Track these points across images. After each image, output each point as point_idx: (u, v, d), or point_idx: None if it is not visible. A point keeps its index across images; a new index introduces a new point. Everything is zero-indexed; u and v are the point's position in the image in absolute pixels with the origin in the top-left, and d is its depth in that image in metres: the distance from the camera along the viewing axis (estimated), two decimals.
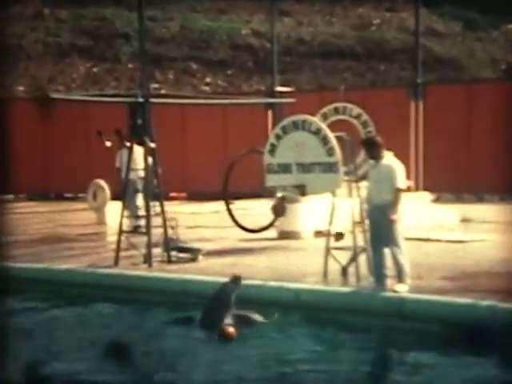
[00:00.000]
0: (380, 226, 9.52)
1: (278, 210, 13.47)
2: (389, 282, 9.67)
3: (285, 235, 14.20)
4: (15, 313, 10.30)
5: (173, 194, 20.94)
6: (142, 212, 14.56)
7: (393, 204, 9.43)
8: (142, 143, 14.78)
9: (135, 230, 14.24)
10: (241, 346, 8.92)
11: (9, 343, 8.72)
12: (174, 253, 12.28)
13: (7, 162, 21.81)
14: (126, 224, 12.69)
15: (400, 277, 9.56)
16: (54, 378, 7.62)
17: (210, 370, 8.19)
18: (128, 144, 12.68)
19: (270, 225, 14.25)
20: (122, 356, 7.98)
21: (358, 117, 14.86)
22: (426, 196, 17.15)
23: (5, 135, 22.14)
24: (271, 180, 11.74)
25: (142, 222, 14.30)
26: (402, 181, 9.56)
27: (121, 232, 12.31)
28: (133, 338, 9.66)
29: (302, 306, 9.89)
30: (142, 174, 14.52)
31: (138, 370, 7.75)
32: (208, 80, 30.94)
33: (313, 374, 8.05)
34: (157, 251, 12.21)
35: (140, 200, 14.86)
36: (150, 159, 14.62)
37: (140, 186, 14.61)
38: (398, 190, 9.48)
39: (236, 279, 9.61)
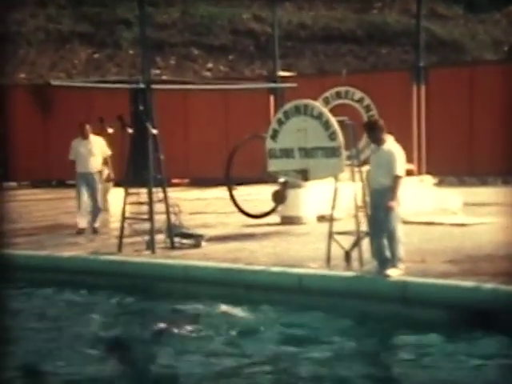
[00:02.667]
0: (378, 209, 9.51)
1: (279, 197, 13.46)
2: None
3: (287, 220, 14.19)
4: (18, 299, 10.32)
5: (175, 181, 20.93)
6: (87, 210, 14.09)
7: (391, 190, 9.40)
8: (98, 133, 14.45)
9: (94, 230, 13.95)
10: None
11: (10, 330, 8.75)
12: (176, 239, 12.29)
13: (10, 150, 21.81)
14: (129, 211, 12.67)
15: (393, 261, 9.56)
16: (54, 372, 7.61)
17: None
18: (130, 130, 12.64)
19: (273, 210, 14.24)
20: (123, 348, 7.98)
21: (360, 101, 14.79)
22: (429, 179, 17.11)
23: (7, 123, 22.12)
24: (273, 165, 11.72)
25: (97, 224, 14.11)
26: (401, 167, 9.52)
27: (124, 219, 12.32)
28: (136, 325, 9.69)
29: (305, 291, 9.90)
30: (98, 166, 14.24)
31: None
32: (209, 65, 30.87)
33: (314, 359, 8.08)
34: (160, 237, 12.21)
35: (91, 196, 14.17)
36: (108, 150, 14.37)
37: (97, 179, 14.14)
38: (397, 177, 9.45)
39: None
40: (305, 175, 11.41)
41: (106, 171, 14.52)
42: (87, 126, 14.36)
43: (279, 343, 8.54)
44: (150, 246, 12.01)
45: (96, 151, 14.26)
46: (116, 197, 15.17)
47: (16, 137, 22.62)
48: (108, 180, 14.52)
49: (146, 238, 12.12)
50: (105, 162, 14.41)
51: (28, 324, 9.52)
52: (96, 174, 14.23)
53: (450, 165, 19.74)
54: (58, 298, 10.96)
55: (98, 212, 14.11)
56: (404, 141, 10.15)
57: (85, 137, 14.31)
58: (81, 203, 14.14)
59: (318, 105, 11.76)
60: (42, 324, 9.63)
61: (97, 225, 14.03)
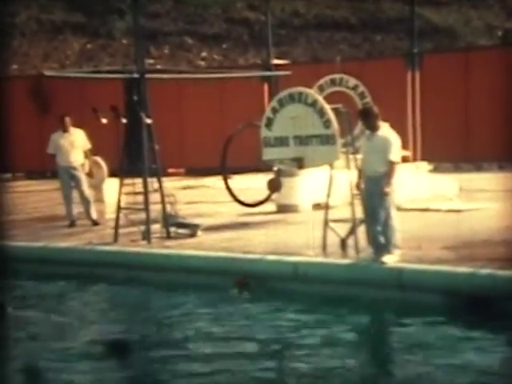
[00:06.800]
0: (373, 197, 9.51)
1: (274, 185, 13.43)
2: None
3: (283, 209, 14.18)
4: (14, 291, 10.32)
5: (171, 170, 20.89)
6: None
7: (387, 176, 9.40)
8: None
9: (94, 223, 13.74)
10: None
11: (8, 323, 8.74)
12: (172, 229, 12.27)
13: (5, 141, 21.69)
14: (124, 201, 12.62)
15: (389, 248, 9.56)
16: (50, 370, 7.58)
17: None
18: (124, 120, 12.59)
19: (268, 199, 14.22)
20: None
21: (354, 88, 14.77)
22: (424, 166, 17.10)
23: (1, 114, 22.00)
24: (268, 153, 11.68)
25: (94, 215, 13.88)
26: (396, 153, 9.52)
27: (119, 209, 12.30)
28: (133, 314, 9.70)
29: (301, 279, 9.90)
30: (81, 159, 13.91)
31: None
32: (203, 54, 30.78)
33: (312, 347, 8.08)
34: (156, 227, 12.20)
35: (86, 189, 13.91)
36: (88, 144, 14.18)
37: (81, 173, 13.87)
38: (392, 163, 9.45)
39: None
40: (300, 163, 11.38)
41: (87, 165, 14.11)
42: (67, 119, 14.10)
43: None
44: (146, 236, 12.00)
45: (78, 144, 13.97)
46: (111, 187, 15.12)
47: (10, 128, 22.51)
48: (89, 174, 14.21)
49: (142, 228, 12.11)
50: (85, 156, 14.05)
51: (25, 316, 9.52)
52: (79, 166, 13.91)
53: (445, 151, 19.70)
54: (54, 288, 10.96)
55: (89, 204, 13.93)
56: (399, 127, 10.15)
57: (65, 129, 14.05)
58: (66, 196, 13.91)
59: (312, 92, 11.71)
60: (38, 316, 9.63)
61: (95, 216, 13.93)
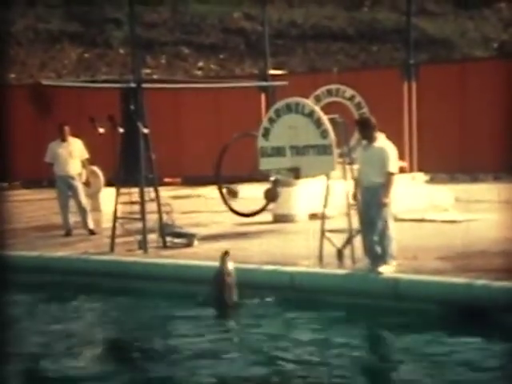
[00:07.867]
0: (370, 207, 9.52)
1: (271, 195, 13.44)
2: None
3: (279, 218, 14.19)
4: (11, 302, 10.30)
5: (167, 180, 20.90)
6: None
7: (384, 187, 9.41)
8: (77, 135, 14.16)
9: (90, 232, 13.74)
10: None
11: (6, 332, 8.73)
12: (169, 238, 12.27)
13: (2, 150, 21.71)
14: (121, 211, 12.61)
15: (385, 258, 9.56)
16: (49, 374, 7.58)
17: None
18: (121, 130, 12.60)
19: (263, 209, 14.23)
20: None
21: (351, 98, 14.84)
22: (421, 177, 17.15)
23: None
24: (265, 163, 11.71)
25: (91, 225, 13.88)
26: (394, 164, 9.55)
27: (115, 218, 12.29)
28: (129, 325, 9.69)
29: (298, 289, 9.90)
30: (78, 169, 13.91)
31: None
32: (200, 64, 30.84)
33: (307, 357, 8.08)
34: (152, 237, 12.19)
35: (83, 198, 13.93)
36: (85, 153, 14.20)
37: (78, 183, 13.87)
38: (390, 174, 9.47)
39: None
40: (296, 173, 11.41)
41: (85, 174, 14.10)
42: (66, 128, 14.10)
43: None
44: (143, 245, 12.00)
45: (76, 153, 13.97)
46: (108, 196, 15.12)
47: (8, 136, 22.52)
48: (86, 184, 14.21)
49: (138, 237, 12.10)
50: (82, 165, 14.06)
51: (22, 325, 9.51)
52: (76, 176, 13.92)
53: (441, 162, 19.73)
54: (51, 298, 10.94)
55: (85, 213, 13.93)
56: (395, 138, 10.17)
57: (64, 139, 14.05)
58: (63, 205, 13.91)
59: (309, 103, 11.75)
60: (35, 325, 9.61)
61: (91, 226, 13.93)
